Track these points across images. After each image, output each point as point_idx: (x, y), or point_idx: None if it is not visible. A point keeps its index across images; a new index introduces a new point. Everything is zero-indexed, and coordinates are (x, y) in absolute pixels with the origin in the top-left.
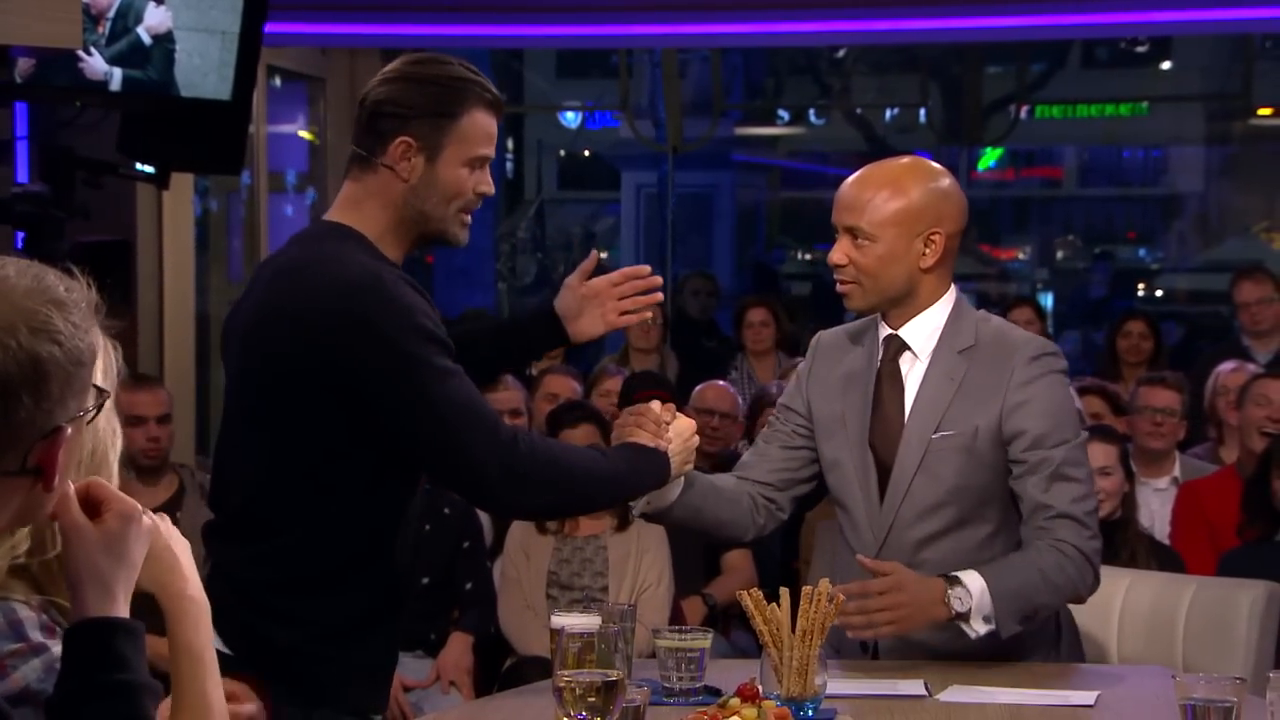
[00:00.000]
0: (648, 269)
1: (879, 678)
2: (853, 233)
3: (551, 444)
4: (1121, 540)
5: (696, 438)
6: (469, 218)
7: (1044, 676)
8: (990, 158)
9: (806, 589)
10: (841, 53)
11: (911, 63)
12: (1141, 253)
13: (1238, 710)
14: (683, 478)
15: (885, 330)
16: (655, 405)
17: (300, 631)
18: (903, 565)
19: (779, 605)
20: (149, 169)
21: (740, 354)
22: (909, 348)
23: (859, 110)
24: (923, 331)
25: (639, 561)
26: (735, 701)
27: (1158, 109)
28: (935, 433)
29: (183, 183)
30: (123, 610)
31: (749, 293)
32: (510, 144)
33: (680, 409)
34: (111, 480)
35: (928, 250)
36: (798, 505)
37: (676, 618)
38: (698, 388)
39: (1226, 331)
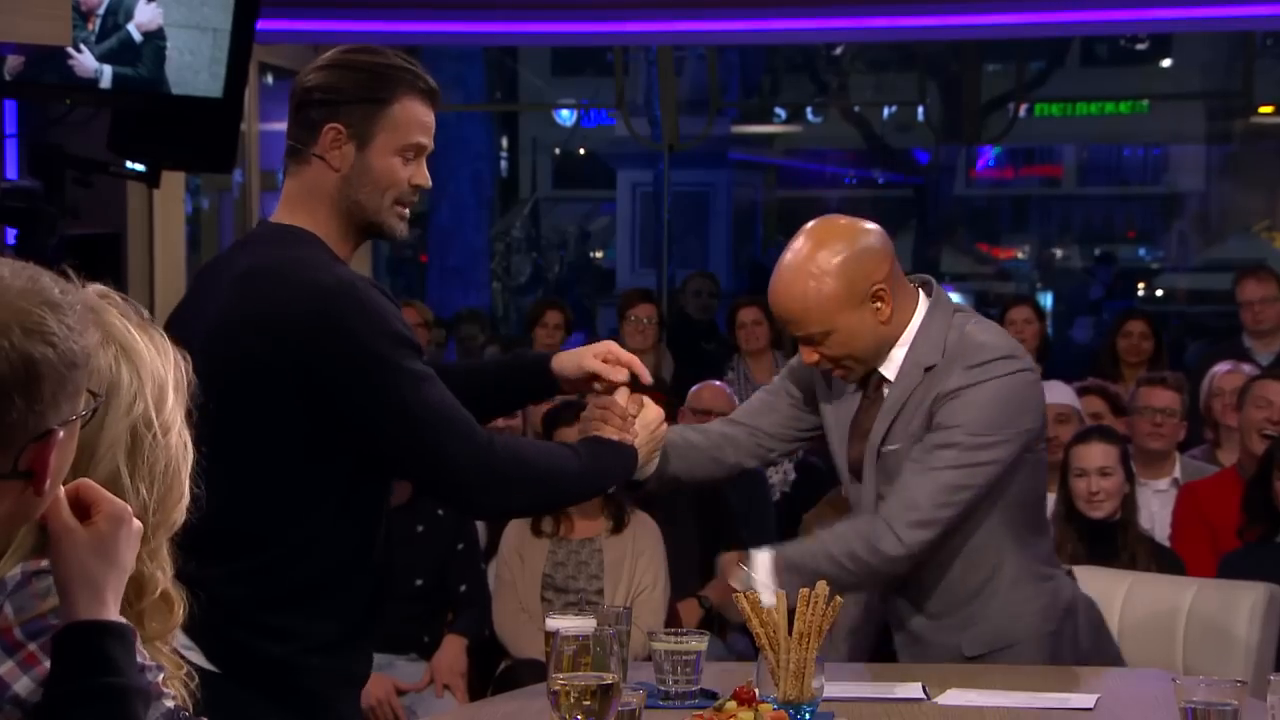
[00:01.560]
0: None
1: (877, 680)
2: (809, 340)
3: (521, 443)
4: (1122, 542)
5: (664, 426)
6: (405, 210)
7: (1043, 679)
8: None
9: (804, 591)
10: (839, 50)
11: (909, 60)
12: (1141, 252)
13: (1238, 713)
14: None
15: None
16: (621, 396)
17: (288, 645)
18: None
19: (776, 608)
20: (140, 167)
21: (736, 354)
22: (885, 378)
23: (856, 108)
24: (893, 360)
25: (634, 564)
26: (732, 704)
27: (1158, 107)
28: (883, 445)
29: (174, 181)
30: (112, 613)
31: (746, 292)
32: (505, 142)
33: (676, 409)
34: (183, 498)
35: (880, 305)
36: (787, 456)
37: (672, 620)
38: (694, 388)
39: (1227, 332)
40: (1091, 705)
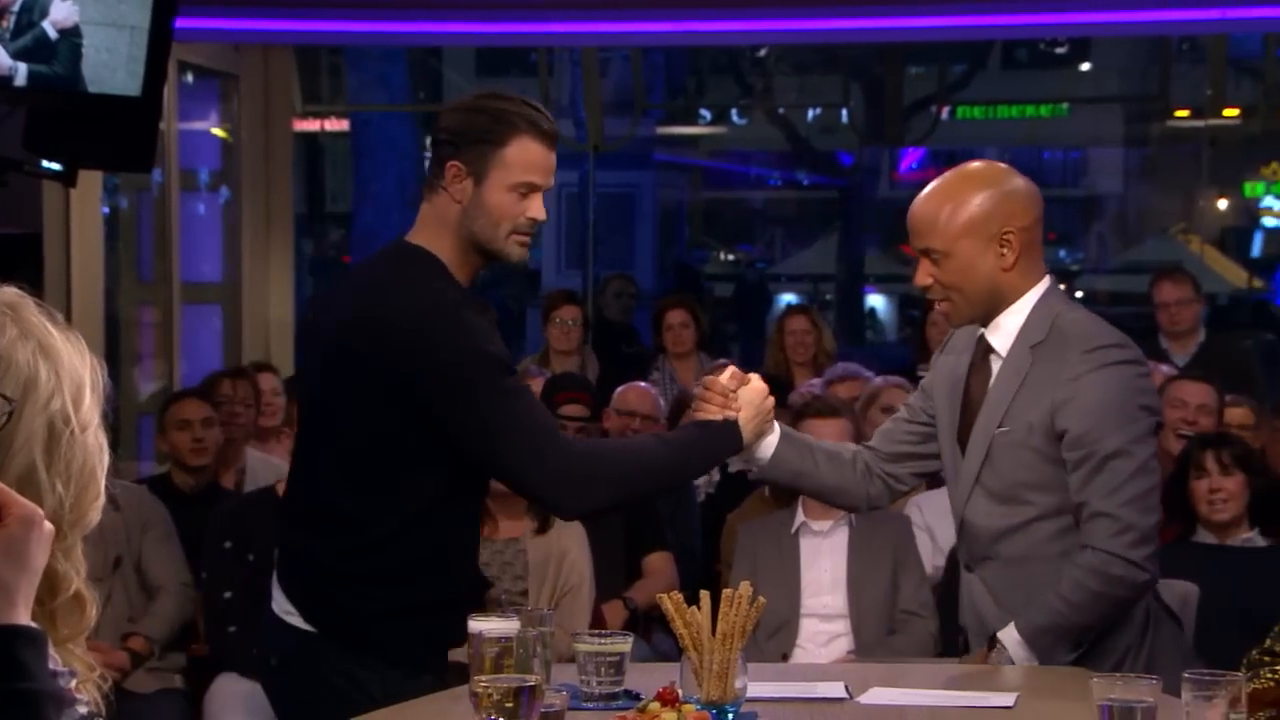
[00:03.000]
0: None
1: (799, 680)
2: (928, 254)
3: (603, 444)
4: None
5: (771, 400)
6: (526, 238)
7: (964, 677)
8: None
9: (727, 592)
10: (763, 52)
11: (833, 63)
12: (1062, 254)
13: (1154, 710)
14: (777, 435)
15: (979, 331)
16: (726, 374)
17: (381, 610)
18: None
19: (699, 608)
20: (56, 166)
21: (661, 355)
22: (993, 348)
23: (781, 110)
24: (1005, 330)
25: (559, 564)
26: (655, 705)
27: (1077, 110)
28: (998, 428)
29: (91, 180)
30: (24, 617)
31: (672, 293)
32: (429, 142)
33: (601, 410)
34: (99, 497)
35: (1005, 251)
36: (918, 480)
37: (598, 622)
38: (619, 390)
39: (1145, 333)
40: (1011, 703)
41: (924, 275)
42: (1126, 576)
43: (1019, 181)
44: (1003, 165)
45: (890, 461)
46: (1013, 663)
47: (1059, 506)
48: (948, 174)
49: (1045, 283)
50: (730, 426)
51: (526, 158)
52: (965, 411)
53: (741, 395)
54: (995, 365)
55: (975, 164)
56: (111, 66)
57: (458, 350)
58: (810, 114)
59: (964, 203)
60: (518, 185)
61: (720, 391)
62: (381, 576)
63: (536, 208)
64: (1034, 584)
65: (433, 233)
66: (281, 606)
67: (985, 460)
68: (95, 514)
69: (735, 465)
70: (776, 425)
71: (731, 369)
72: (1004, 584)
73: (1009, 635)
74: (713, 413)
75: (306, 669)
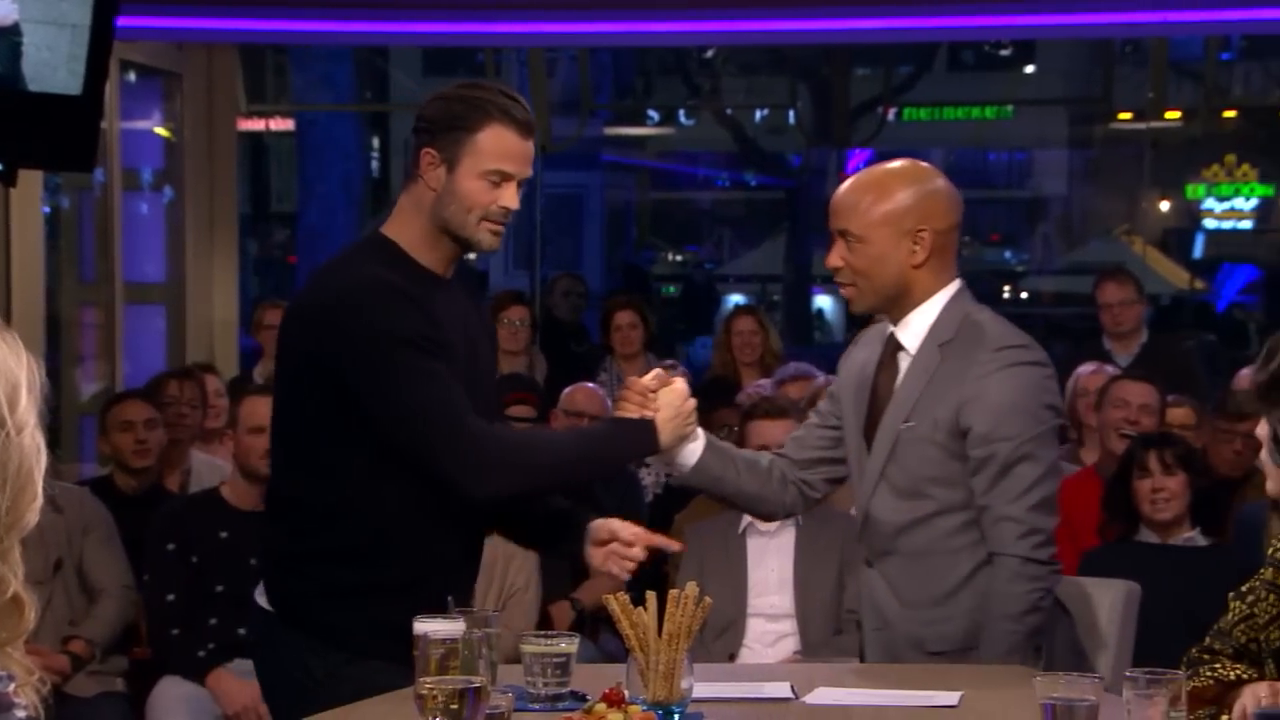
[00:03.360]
0: (675, 545)
1: (745, 680)
2: (844, 236)
3: (518, 433)
4: None
5: (692, 401)
6: (498, 227)
7: (909, 677)
8: None
9: (673, 592)
10: (710, 53)
11: (780, 64)
12: (1007, 255)
13: (1096, 709)
14: (702, 443)
15: (889, 328)
16: (650, 375)
17: (318, 588)
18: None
19: (646, 609)
20: None
21: (609, 356)
22: (902, 346)
23: (729, 111)
24: (914, 328)
25: (506, 565)
26: (601, 706)
27: (1022, 112)
28: (904, 423)
29: (31, 179)
30: None
31: (620, 294)
32: (376, 142)
33: (548, 411)
34: (36, 499)
35: (917, 248)
36: (831, 487)
37: (544, 623)
38: (566, 390)
39: (1089, 333)
40: (955, 703)
41: (836, 257)
42: (1039, 575)
43: (943, 185)
44: (931, 167)
45: (803, 468)
46: None
47: (962, 502)
48: (879, 165)
49: (956, 284)
50: (646, 425)
51: (499, 145)
52: (872, 408)
53: (661, 396)
54: (904, 362)
55: (906, 161)
56: (52, 65)
57: (374, 330)
58: (758, 115)
59: (887, 194)
60: (489, 172)
61: (640, 391)
62: (323, 555)
63: (509, 196)
64: (933, 578)
65: (404, 220)
66: (259, 589)
67: (890, 455)
68: (33, 516)
69: (659, 468)
70: (701, 433)
71: (659, 372)
72: (905, 579)
73: None
74: (632, 411)
75: (269, 650)
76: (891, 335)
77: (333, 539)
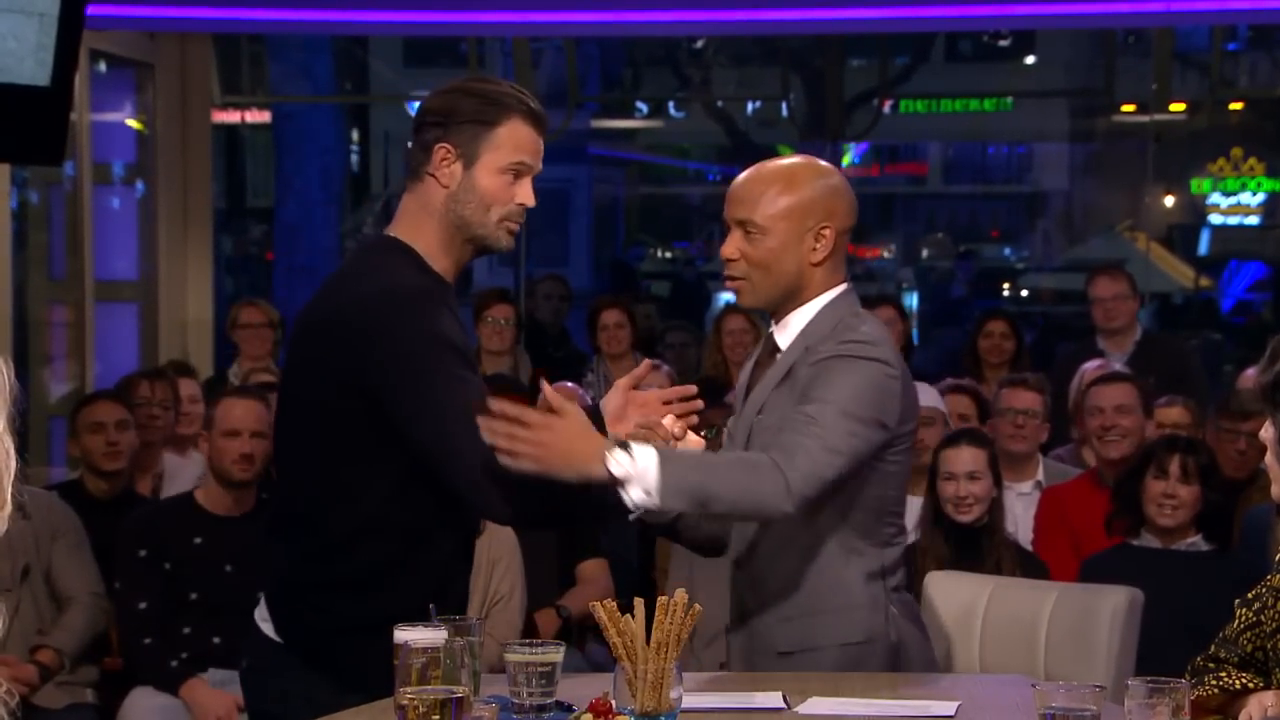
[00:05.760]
0: (694, 389)
1: (736, 690)
2: (744, 226)
3: None
4: (988, 547)
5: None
6: (515, 226)
7: (904, 686)
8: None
9: (662, 600)
10: (700, 44)
11: (772, 55)
12: (1006, 251)
13: (1097, 718)
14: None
15: (771, 328)
16: (668, 421)
17: (338, 623)
18: (579, 412)
19: (634, 617)
20: None
21: (597, 355)
22: (779, 347)
23: (720, 103)
24: (791, 328)
25: (490, 572)
26: (587, 717)
27: (1021, 104)
28: (757, 415)
29: None
30: None
31: (608, 292)
32: (356, 135)
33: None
34: (4, 506)
35: (818, 245)
36: None
37: (530, 631)
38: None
39: (1090, 332)
40: (952, 712)
41: (733, 248)
42: (775, 490)
43: (845, 184)
44: (831, 166)
45: None
46: (619, 471)
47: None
48: (781, 158)
49: (843, 287)
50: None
51: (519, 139)
52: (744, 406)
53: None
54: (778, 362)
55: (805, 157)
56: (19, 55)
57: (423, 331)
58: (750, 107)
59: (793, 187)
60: (511, 166)
61: (663, 438)
62: (340, 584)
63: (526, 193)
64: (788, 577)
65: (412, 222)
66: (260, 612)
67: (746, 448)
68: (2, 523)
69: (635, 513)
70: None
71: (673, 420)
72: (763, 576)
73: (645, 452)
74: (641, 435)
75: (272, 678)
76: (770, 336)
77: (349, 567)
